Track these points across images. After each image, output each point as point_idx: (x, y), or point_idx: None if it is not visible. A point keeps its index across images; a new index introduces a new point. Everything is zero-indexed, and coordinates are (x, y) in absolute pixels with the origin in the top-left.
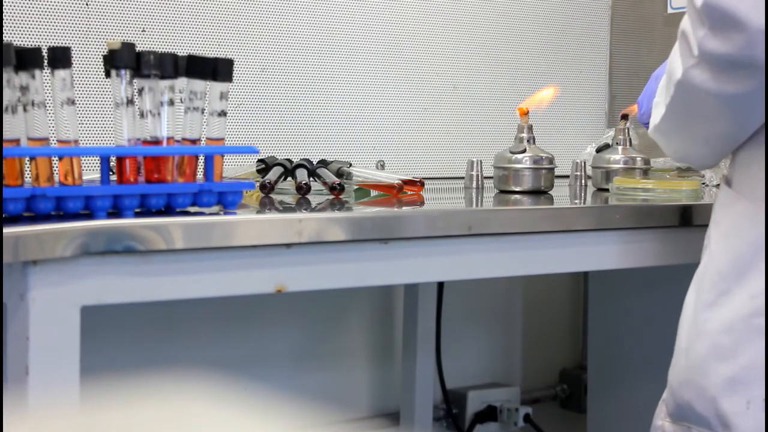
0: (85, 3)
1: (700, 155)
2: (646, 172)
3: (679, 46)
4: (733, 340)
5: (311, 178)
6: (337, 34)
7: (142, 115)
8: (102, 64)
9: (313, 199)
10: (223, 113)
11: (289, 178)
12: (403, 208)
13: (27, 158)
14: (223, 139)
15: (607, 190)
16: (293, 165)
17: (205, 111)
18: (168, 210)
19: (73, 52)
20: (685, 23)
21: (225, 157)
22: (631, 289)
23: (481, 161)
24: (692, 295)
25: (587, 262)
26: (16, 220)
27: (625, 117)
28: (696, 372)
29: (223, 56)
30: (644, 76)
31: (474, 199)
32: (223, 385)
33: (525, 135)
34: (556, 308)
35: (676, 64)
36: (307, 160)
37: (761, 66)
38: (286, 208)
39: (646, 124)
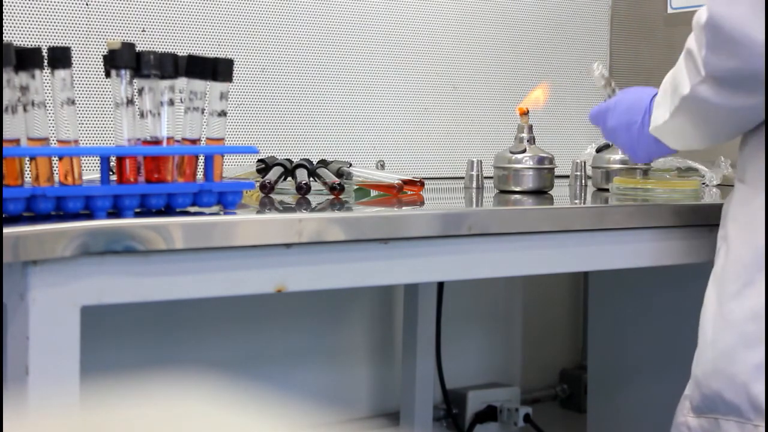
0: (85, 3)
1: (700, 144)
2: (646, 172)
3: (684, 63)
4: (759, 327)
5: (311, 178)
6: (337, 34)
7: (142, 115)
8: (102, 64)
9: (313, 199)
10: (223, 113)
11: (289, 178)
12: (403, 208)
13: (27, 158)
14: (223, 139)
15: (607, 190)
16: (293, 165)
17: (205, 111)
18: (168, 210)
19: (73, 52)
20: (691, 41)
21: (225, 157)
22: (631, 289)
23: (481, 161)
24: (713, 290)
25: (587, 262)
26: (16, 220)
27: None
28: (724, 361)
29: (223, 56)
30: (644, 76)
31: (474, 199)
32: (223, 385)
33: (525, 135)
34: (556, 308)
35: (682, 79)
36: (307, 160)
37: (763, 80)
38: (286, 208)
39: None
